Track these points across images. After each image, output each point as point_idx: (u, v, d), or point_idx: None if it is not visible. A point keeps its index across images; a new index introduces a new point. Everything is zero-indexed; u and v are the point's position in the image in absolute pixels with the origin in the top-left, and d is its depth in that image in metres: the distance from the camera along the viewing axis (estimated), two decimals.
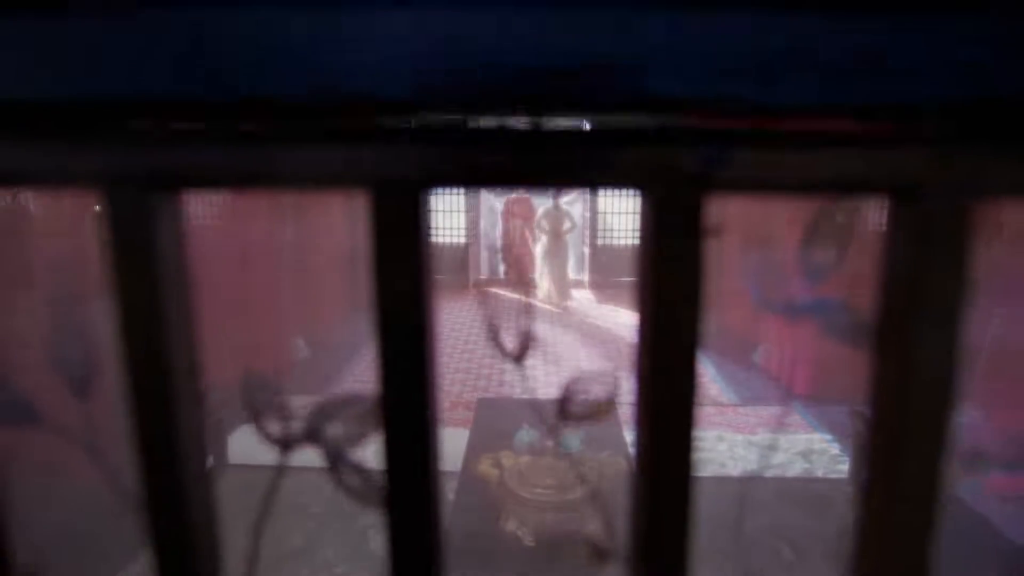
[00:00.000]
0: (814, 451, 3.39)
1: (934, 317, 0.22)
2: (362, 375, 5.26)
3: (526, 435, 2.18)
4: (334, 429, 0.26)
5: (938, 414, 0.23)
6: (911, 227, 0.22)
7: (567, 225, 7.57)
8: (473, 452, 2.43)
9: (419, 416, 0.22)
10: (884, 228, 0.22)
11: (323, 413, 0.26)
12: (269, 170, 0.22)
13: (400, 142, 0.21)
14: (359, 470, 0.26)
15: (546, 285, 7.10)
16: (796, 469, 3.19)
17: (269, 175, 0.22)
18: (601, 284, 7.81)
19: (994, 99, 0.19)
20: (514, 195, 7.61)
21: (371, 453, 0.25)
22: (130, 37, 0.20)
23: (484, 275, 8.48)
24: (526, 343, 0.25)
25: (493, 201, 8.62)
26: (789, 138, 0.20)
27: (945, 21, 0.18)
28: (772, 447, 3.43)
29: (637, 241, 0.22)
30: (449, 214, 8.05)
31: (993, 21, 0.18)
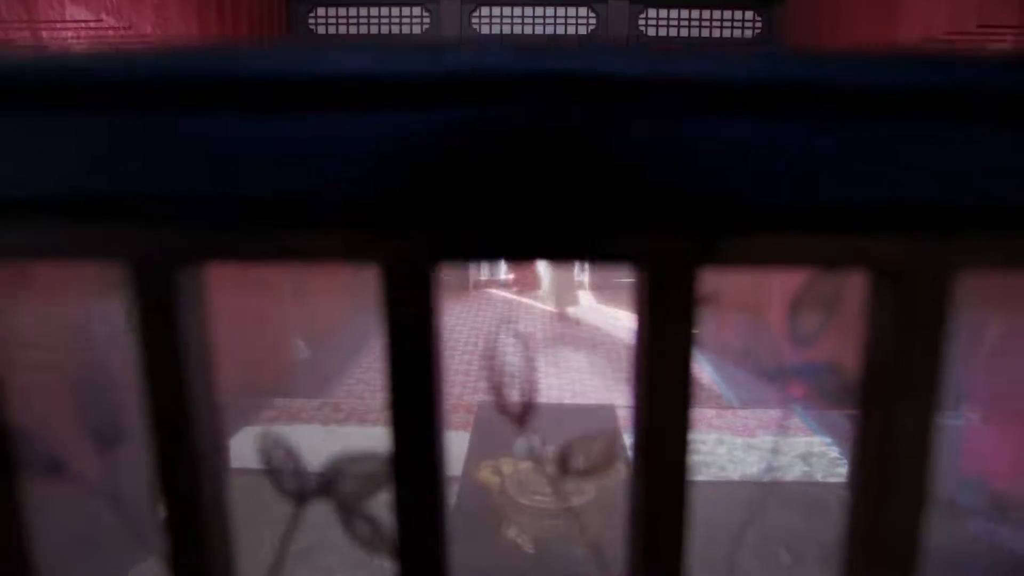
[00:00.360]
0: (813, 454, 3.40)
1: (914, 384, 0.24)
2: (363, 376, 5.26)
3: (526, 441, 2.19)
4: (347, 483, 0.27)
5: (919, 472, 0.24)
6: (892, 301, 0.23)
7: None
8: (473, 458, 2.45)
9: (430, 484, 0.23)
10: (867, 299, 0.24)
11: (337, 468, 0.27)
12: (284, 250, 0.23)
13: (407, 222, 0.22)
14: (371, 522, 0.27)
15: (550, 289, 6.93)
16: (795, 472, 3.20)
17: (284, 254, 0.23)
18: (601, 285, 7.78)
19: (980, 199, 0.20)
20: None
21: (382, 505, 0.27)
22: (140, 135, 0.21)
23: (485, 276, 8.49)
24: (529, 405, 0.26)
25: None
26: (781, 224, 0.21)
27: (932, 127, 0.19)
28: (775, 451, 3.44)
29: None
30: None
31: (979, 130, 0.19)
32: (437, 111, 0.21)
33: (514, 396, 0.27)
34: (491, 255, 0.23)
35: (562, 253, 0.22)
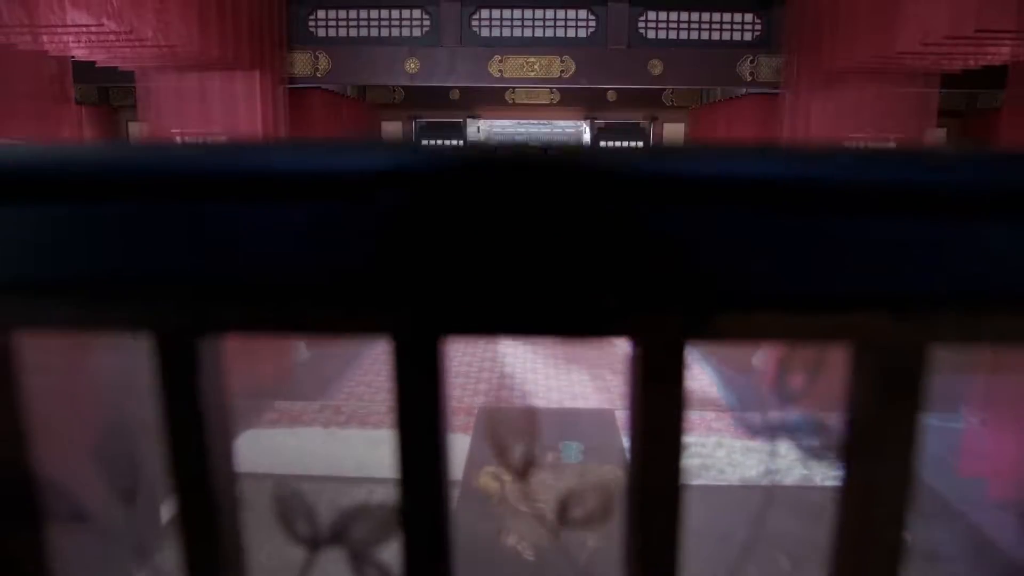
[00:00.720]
0: None
1: (892, 446, 0.25)
2: (363, 379, 5.27)
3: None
4: (359, 531, 0.29)
5: (895, 526, 0.26)
6: (872, 371, 0.25)
7: None
8: (473, 464, 2.47)
9: (438, 542, 0.25)
10: (849, 367, 0.25)
11: (349, 516, 0.29)
12: (299, 323, 0.24)
13: (414, 300, 0.24)
14: (381, 569, 0.29)
15: None
16: (795, 476, 3.21)
17: (299, 327, 0.25)
18: None
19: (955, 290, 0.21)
20: None
21: (392, 554, 0.28)
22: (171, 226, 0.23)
23: None
24: (530, 462, 0.28)
25: None
26: (767, 304, 0.23)
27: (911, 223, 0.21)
28: (774, 454, 3.45)
29: None
30: None
31: (954, 223, 0.21)
32: (438, 197, 0.23)
33: (516, 452, 0.28)
34: (495, 330, 0.24)
35: (561, 329, 0.24)
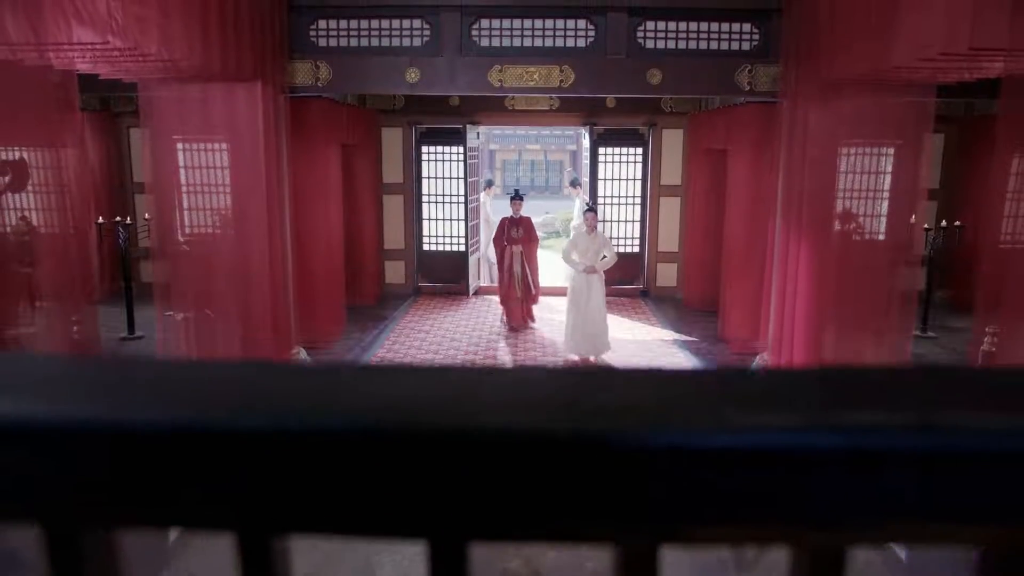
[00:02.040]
0: None
1: None
2: None
3: None
4: None
5: None
6: (805, 564, 0.31)
7: (605, 258, 6.06)
8: None
9: None
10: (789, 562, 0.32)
11: None
12: (347, 527, 0.31)
13: (450, 514, 0.30)
14: None
15: (579, 339, 6.11)
16: None
17: (348, 530, 0.31)
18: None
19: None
20: (511, 215, 7.02)
21: None
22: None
23: (484, 283, 8.56)
24: None
25: (489, 212, 8.66)
26: (721, 521, 0.29)
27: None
28: None
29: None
30: (448, 223, 8.13)
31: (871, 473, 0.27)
32: (466, 456, 0.29)
33: None
34: (507, 537, 0.30)
35: (559, 536, 0.30)
